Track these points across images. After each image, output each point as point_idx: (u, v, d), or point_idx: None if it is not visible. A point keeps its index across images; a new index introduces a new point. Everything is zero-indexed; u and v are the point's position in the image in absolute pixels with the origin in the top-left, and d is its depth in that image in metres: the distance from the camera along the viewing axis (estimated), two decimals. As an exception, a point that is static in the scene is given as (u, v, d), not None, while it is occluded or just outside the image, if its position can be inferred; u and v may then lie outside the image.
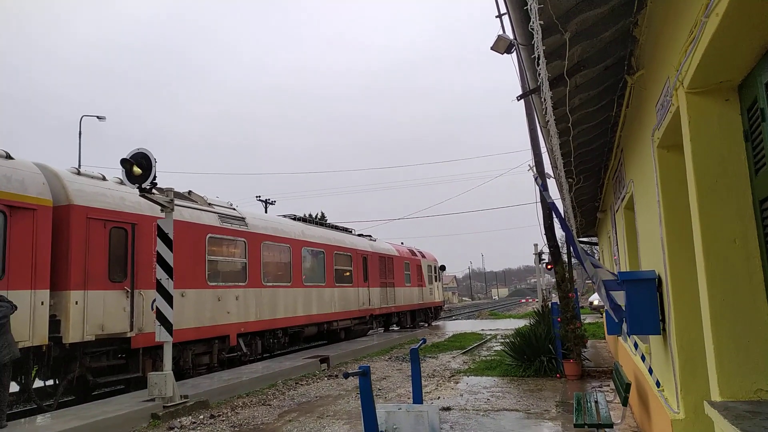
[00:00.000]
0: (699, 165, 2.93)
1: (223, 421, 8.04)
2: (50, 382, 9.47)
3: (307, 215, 31.29)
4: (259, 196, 37.91)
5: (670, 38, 3.30)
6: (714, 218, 2.87)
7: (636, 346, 6.49)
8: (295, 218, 17.92)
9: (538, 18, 3.16)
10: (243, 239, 13.41)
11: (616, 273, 5.13)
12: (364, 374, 4.00)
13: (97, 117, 28.60)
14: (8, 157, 8.77)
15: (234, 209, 14.00)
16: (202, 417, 8.19)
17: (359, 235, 22.23)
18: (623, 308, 4.86)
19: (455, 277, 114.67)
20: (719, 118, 2.90)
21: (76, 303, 8.97)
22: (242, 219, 13.74)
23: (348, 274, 19.03)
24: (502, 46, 9.78)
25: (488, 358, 13.65)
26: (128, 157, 8.39)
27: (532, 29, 3.27)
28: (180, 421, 7.92)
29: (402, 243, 26.81)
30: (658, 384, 5.02)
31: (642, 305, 4.52)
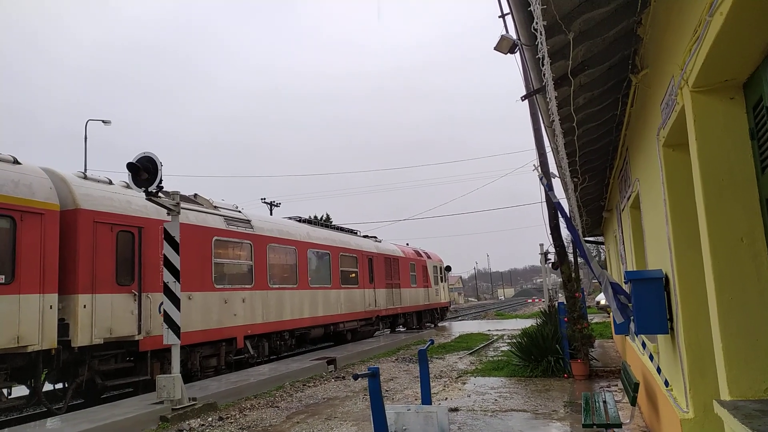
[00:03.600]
0: (705, 164, 2.93)
1: (232, 423, 8.07)
2: (59, 386, 9.54)
3: (312, 217, 31.35)
4: (264, 198, 37.96)
5: (675, 37, 3.30)
6: (721, 217, 2.86)
7: (644, 345, 6.47)
8: (300, 220, 17.96)
9: (541, 19, 3.17)
10: (249, 242, 13.45)
11: (620, 280, 5.12)
12: (374, 375, 4.01)
13: (102, 121, 28.76)
14: (15, 161, 8.84)
15: (239, 212, 14.05)
16: (210, 419, 8.22)
17: (364, 237, 22.24)
18: (630, 308, 4.85)
19: (461, 277, 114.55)
20: (725, 116, 2.89)
21: (85, 306, 9.03)
22: (248, 221, 13.78)
23: (354, 275, 19.05)
24: (505, 46, 9.77)
25: (495, 358, 13.63)
26: (134, 161, 8.44)
27: (536, 30, 3.28)
28: (189, 424, 7.95)
29: (407, 244, 26.81)
30: (666, 383, 5.01)
31: (649, 304, 4.51)
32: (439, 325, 27.62)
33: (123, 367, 9.96)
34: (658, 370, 5.55)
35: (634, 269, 7.02)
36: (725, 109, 2.89)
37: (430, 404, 4.82)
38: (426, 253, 27.29)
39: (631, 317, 4.81)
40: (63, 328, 8.81)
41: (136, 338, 9.86)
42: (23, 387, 8.81)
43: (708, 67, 2.71)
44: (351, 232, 21.29)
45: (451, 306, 39.05)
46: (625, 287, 5.08)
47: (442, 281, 28.88)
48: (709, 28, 2.47)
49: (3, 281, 8.00)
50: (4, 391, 8.46)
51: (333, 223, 23.13)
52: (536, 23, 3.20)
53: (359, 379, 4.01)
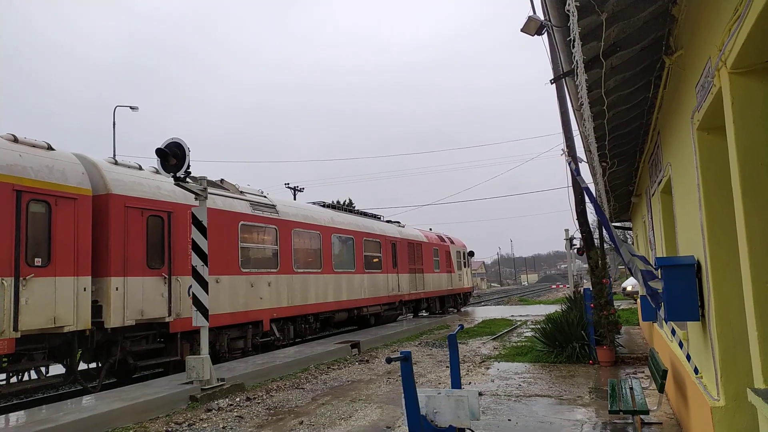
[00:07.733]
0: (743, 148, 2.85)
1: (259, 403, 8.25)
2: (94, 365, 9.85)
3: (335, 202, 31.48)
4: (288, 184, 38.21)
5: (712, 17, 3.20)
6: (758, 202, 2.80)
7: (673, 332, 6.39)
8: (324, 205, 18.06)
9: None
10: (274, 226, 13.60)
11: (650, 264, 5.04)
12: (406, 359, 4.07)
13: (130, 107, 29.25)
14: (49, 148, 9.06)
15: (265, 197, 14.19)
16: (238, 399, 8.42)
17: (388, 222, 22.28)
18: (660, 294, 4.79)
19: (484, 262, 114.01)
20: (765, 99, 2.81)
21: (117, 289, 9.27)
22: (273, 206, 13.92)
23: (377, 260, 19.14)
24: (532, 27, 9.56)
25: (519, 344, 13.61)
26: (163, 147, 8.57)
27: (569, 11, 3.21)
28: (217, 403, 8.16)
29: (431, 229, 26.78)
30: (696, 371, 4.95)
31: (680, 291, 4.44)
32: (462, 310, 27.63)
33: (154, 348, 10.24)
34: (688, 358, 5.48)
35: (664, 255, 6.90)
36: (766, 92, 2.81)
37: (460, 388, 4.84)
38: (449, 238, 27.23)
39: (662, 303, 4.75)
40: (96, 309, 9.07)
41: (167, 320, 10.10)
42: (60, 366, 9.13)
43: (748, 48, 2.63)
44: (374, 217, 21.34)
45: (474, 291, 38.99)
46: (655, 273, 5.00)
47: (465, 266, 28.82)
48: (752, 6, 2.39)
49: (40, 264, 8.26)
50: (42, 369, 8.79)
51: (356, 208, 23.19)
52: (569, 4, 3.14)
53: (391, 362, 4.06)
